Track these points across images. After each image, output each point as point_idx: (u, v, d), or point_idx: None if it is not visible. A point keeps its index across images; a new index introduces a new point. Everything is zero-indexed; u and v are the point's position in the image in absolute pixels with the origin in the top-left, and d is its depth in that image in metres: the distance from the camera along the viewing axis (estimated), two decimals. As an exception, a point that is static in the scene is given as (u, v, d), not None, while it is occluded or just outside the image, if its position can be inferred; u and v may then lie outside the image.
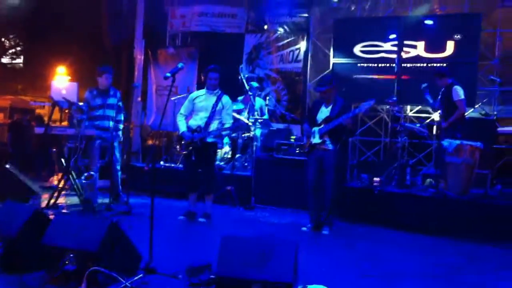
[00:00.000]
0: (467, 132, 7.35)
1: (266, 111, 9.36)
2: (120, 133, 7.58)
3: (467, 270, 5.05)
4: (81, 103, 7.17)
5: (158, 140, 11.37)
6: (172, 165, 9.22)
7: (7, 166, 7.69)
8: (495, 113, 9.17)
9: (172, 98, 9.93)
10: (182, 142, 6.66)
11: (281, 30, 11.50)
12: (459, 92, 7.33)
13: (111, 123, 7.39)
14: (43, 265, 4.04)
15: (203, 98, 6.72)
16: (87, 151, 6.93)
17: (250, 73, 11.59)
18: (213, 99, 6.65)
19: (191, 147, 6.54)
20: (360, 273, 4.70)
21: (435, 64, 9.18)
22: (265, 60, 11.62)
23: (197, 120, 6.62)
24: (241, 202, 7.89)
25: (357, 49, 9.87)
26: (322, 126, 6.31)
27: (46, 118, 12.86)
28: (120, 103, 7.60)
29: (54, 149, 9.54)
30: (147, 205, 7.09)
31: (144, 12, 11.80)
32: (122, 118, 7.65)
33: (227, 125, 6.64)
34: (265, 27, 11.62)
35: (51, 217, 4.53)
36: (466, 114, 7.79)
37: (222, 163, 8.84)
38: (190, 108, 6.75)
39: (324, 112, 6.39)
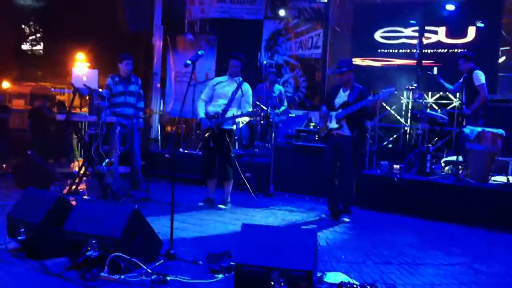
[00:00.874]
0: (489, 119, 7.27)
1: (285, 98, 9.31)
2: (141, 120, 7.63)
3: (489, 259, 5.02)
4: (101, 90, 7.21)
5: (177, 127, 11.42)
6: (192, 151, 9.26)
7: (29, 152, 7.79)
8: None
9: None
10: (201, 128, 6.69)
11: (300, 16, 11.41)
12: (480, 76, 7.23)
13: (132, 110, 7.44)
14: (65, 251, 4.09)
15: (224, 85, 6.71)
16: (107, 137, 6.98)
17: (269, 59, 11.56)
18: (233, 86, 6.66)
19: (208, 134, 6.56)
20: (380, 261, 4.70)
21: (456, 50, 9.08)
22: (284, 46, 11.57)
23: (216, 107, 6.63)
24: (260, 189, 7.91)
25: (378, 35, 9.78)
26: (339, 110, 6.26)
27: (67, 105, 13.00)
28: (141, 91, 7.65)
29: (75, 136, 9.65)
30: (167, 191, 7.18)
31: (163, -1, 11.79)
32: (143, 106, 7.69)
33: (243, 112, 6.64)
34: (284, 13, 11.54)
35: (73, 203, 4.59)
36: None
37: (240, 150, 8.84)
38: (211, 94, 6.76)
39: (342, 96, 6.32)
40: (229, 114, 6.55)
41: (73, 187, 7.02)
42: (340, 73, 6.28)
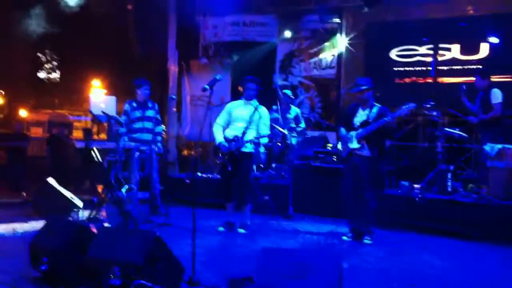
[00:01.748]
0: (507, 135, 7.21)
1: (302, 119, 9.30)
2: (160, 145, 7.64)
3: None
4: (117, 116, 7.26)
5: (194, 151, 11.42)
6: (209, 175, 9.25)
7: (48, 180, 7.82)
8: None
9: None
10: (219, 153, 6.69)
11: (313, 37, 11.46)
12: (498, 95, 7.20)
13: (150, 136, 7.46)
14: (88, 279, 4.07)
15: (241, 109, 6.73)
16: (126, 163, 7.00)
17: (283, 81, 11.59)
18: (250, 109, 6.66)
19: (227, 157, 6.56)
20: (404, 284, 4.62)
21: (471, 67, 9.05)
22: (298, 67, 11.60)
23: (235, 130, 6.63)
24: (279, 212, 7.85)
25: (394, 54, 9.79)
26: (359, 130, 6.21)
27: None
28: (158, 116, 7.68)
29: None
30: (186, 216, 7.18)
31: (176, 24, 11.89)
32: (161, 130, 7.72)
33: (263, 134, 6.63)
34: (297, 34, 11.58)
35: (94, 230, 4.59)
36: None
37: (258, 172, 8.81)
38: (227, 118, 6.77)
39: (361, 115, 6.27)
40: (248, 136, 6.56)
41: (93, 214, 7.03)
42: (359, 92, 6.23)
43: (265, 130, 6.67)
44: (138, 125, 7.41)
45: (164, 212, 7.30)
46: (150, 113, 7.51)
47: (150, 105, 7.57)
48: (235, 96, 8.62)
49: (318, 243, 6.25)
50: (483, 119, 7.26)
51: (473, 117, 7.41)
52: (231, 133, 6.66)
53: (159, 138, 7.64)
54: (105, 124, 7.45)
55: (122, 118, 7.26)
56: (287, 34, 11.57)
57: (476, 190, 6.96)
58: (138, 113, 7.43)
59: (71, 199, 7.51)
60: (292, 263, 3.66)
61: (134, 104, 7.48)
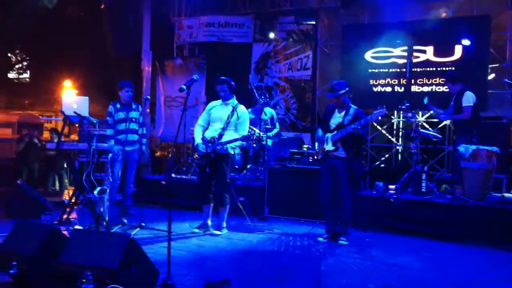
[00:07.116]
0: (482, 136, 7.25)
1: (276, 121, 9.25)
2: (144, 147, 7.47)
3: (489, 277, 4.96)
4: (89, 116, 7.08)
5: (167, 152, 11.29)
6: (184, 177, 9.15)
7: (18, 182, 7.64)
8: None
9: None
10: (197, 154, 6.61)
11: (288, 38, 11.47)
12: (470, 98, 7.18)
13: (135, 137, 7.30)
14: (60, 284, 3.96)
15: (218, 109, 6.65)
16: (105, 165, 6.84)
17: (259, 82, 11.54)
18: (228, 109, 6.59)
19: (205, 159, 6.48)
20: (381, 284, 4.60)
21: (444, 68, 9.12)
22: (273, 68, 11.58)
23: (212, 131, 6.55)
24: (255, 213, 7.78)
25: (369, 55, 9.80)
26: (335, 132, 6.20)
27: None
28: (142, 118, 7.51)
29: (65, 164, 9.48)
30: (160, 218, 7.08)
31: (151, 24, 11.77)
32: (145, 132, 7.57)
33: (238, 136, 6.54)
34: (272, 35, 11.59)
35: (66, 233, 4.47)
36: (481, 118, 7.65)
37: (233, 173, 8.74)
38: (207, 118, 6.70)
39: (337, 117, 6.28)
40: (226, 138, 6.47)
41: (65, 216, 6.87)
42: (336, 97, 6.22)
43: (242, 131, 6.57)
44: (122, 126, 7.24)
45: (133, 213, 7.14)
46: (134, 114, 7.34)
47: (134, 106, 7.41)
48: (210, 97, 8.52)
49: (294, 245, 6.20)
50: (453, 119, 7.33)
51: (444, 115, 7.48)
52: (209, 134, 6.58)
53: (144, 140, 7.47)
54: (77, 125, 7.25)
55: (108, 120, 7.11)
56: (263, 35, 11.55)
57: (451, 191, 6.99)
58: (122, 114, 7.24)
59: (42, 201, 7.34)
60: (270, 266, 3.61)
61: (118, 106, 7.30)
